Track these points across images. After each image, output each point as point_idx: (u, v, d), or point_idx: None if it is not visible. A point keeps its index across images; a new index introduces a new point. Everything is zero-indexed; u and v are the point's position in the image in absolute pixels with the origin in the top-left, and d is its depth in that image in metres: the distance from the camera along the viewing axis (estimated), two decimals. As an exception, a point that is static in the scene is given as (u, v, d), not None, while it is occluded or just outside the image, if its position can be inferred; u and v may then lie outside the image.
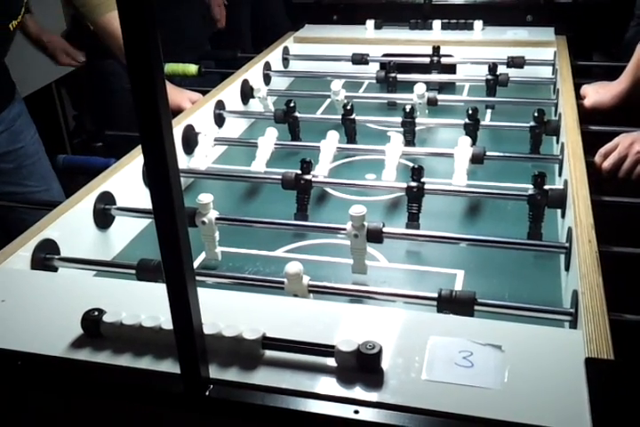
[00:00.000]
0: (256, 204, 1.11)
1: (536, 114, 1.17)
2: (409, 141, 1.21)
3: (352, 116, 1.26)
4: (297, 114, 1.28)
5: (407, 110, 1.22)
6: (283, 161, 1.17)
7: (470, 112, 1.20)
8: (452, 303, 0.72)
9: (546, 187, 0.92)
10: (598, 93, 1.34)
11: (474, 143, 1.17)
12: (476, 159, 1.07)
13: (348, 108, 1.26)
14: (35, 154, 1.38)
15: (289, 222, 0.95)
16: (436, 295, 0.73)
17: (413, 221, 0.96)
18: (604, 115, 1.33)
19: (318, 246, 0.96)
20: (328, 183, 1.09)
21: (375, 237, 0.84)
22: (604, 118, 1.30)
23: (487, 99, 1.43)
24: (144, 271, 0.80)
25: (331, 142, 1.13)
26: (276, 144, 1.17)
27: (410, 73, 1.52)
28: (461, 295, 0.73)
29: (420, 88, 1.33)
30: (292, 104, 1.28)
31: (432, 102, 1.34)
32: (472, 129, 1.19)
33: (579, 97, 1.31)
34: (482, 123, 1.21)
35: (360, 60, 1.62)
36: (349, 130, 1.26)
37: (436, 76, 1.53)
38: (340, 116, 1.27)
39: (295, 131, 1.29)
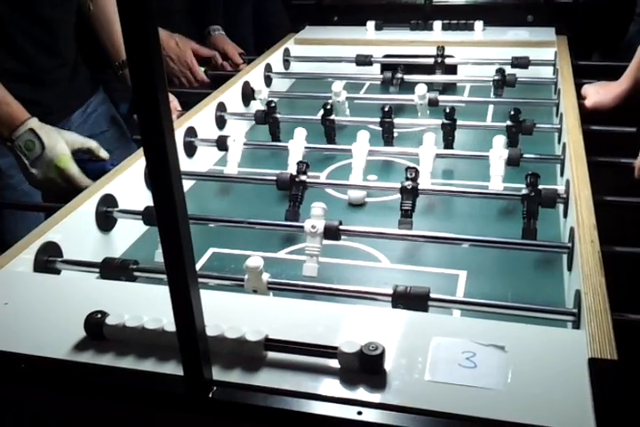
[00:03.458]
0: (259, 205, 1.11)
1: (512, 113, 1.18)
2: (388, 142, 1.23)
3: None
4: (277, 115, 1.29)
5: (386, 110, 1.23)
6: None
7: (447, 111, 1.20)
8: (407, 299, 0.72)
9: (540, 186, 0.92)
10: (599, 94, 1.34)
11: (451, 143, 1.17)
12: (513, 161, 1.06)
13: (328, 108, 1.27)
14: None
15: (289, 224, 0.95)
16: (390, 291, 0.73)
17: (406, 217, 0.95)
18: (604, 115, 1.33)
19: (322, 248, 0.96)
20: (324, 184, 1.09)
21: (332, 234, 0.85)
22: (605, 118, 1.30)
23: (488, 99, 1.43)
24: (107, 270, 0.81)
25: (362, 145, 1.12)
26: (306, 147, 1.16)
27: (412, 74, 1.52)
28: (415, 291, 0.73)
29: (420, 89, 1.33)
30: (272, 104, 1.29)
31: (433, 103, 1.34)
32: (449, 129, 1.19)
33: (580, 97, 1.31)
34: (458, 122, 1.21)
35: (364, 61, 1.63)
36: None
37: (438, 77, 1.54)
38: (319, 117, 1.27)
39: (275, 131, 1.30)
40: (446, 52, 1.59)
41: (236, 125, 1.34)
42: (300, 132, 1.17)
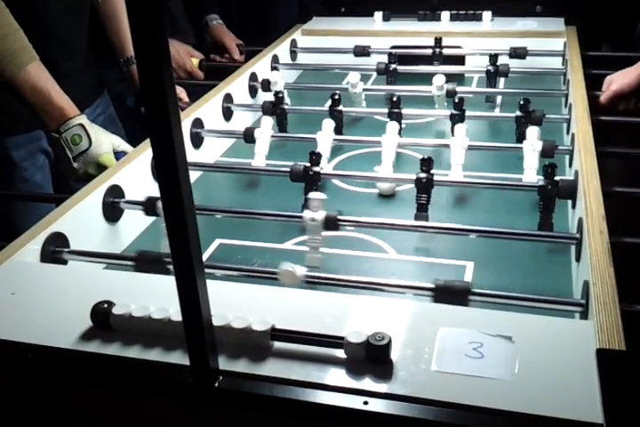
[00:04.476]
0: (264, 196, 1.11)
1: (522, 103, 1.17)
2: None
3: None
4: (285, 106, 1.29)
5: (394, 100, 1.22)
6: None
7: (457, 101, 1.20)
8: (448, 293, 0.72)
9: (556, 178, 0.91)
10: (617, 82, 1.34)
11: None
12: (548, 153, 1.04)
13: (336, 98, 1.26)
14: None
15: (297, 215, 0.95)
16: (431, 285, 0.73)
17: (422, 211, 0.95)
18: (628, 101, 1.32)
19: (326, 238, 0.95)
20: (336, 175, 1.09)
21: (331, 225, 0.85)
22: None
23: (497, 90, 1.43)
24: (143, 263, 0.81)
25: (392, 137, 1.11)
26: (334, 139, 1.16)
27: (417, 65, 1.51)
28: (456, 285, 0.72)
29: (438, 80, 1.32)
30: (280, 95, 1.28)
31: (451, 94, 1.32)
32: (458, 119, 1.19)
33: (589, 87, 1.30)
34: (467, 113, 1.20)
35: (362, 52, 1.62)
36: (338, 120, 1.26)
37: (439, 68, 1.53)
38: (327, 108, 1.27)
39: (283, 122, 1.29)
40: (455, 43, 1.58)
41: (249, 117, 1.33)
42: (328, 124, 1.17)
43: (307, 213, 0.85)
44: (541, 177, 0.93)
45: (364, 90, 1.39)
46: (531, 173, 1.03)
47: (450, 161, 1.07)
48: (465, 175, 1.06)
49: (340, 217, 0.86)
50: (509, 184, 0.99)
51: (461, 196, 1.06)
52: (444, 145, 1.10)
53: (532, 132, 1.08)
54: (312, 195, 0.87)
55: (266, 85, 1.43)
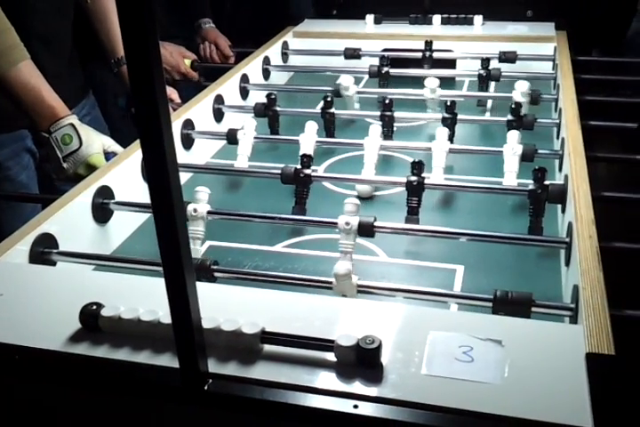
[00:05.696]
0: (255, 198, 1.10)
1: (513, 106, 1.17)
2: (387, 135, 1.22)
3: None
4: (277, 108, 1.28)
5: (386, 103, 1.22)
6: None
7: (448, 105, 1.20)
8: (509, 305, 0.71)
9: (546, 182, 0.92)
10: None
11: (452, 137, 1.17)
12: (528, 157, 1.05)
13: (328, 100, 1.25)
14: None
15: (288, 217, 0.95)
16: (490, 297, 0.72)
17: (413, 214, 0.95)
18: None
19: (317, 241, 0.95)
20: (327, 178, 1.09)
21: (367, 230, 0.83)
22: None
23: (486, 94, 1.43)
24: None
25: (374, 140, 1.11)
26: (317, 141, 1.15)
27: (409, 68, 1.52)
28: (519, 297, 0.72)
29: (431, 82, 1.31)
30: (272, 97, 1.28)
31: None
32: (450, 123, 1.19)
33: (579, 92, 1.31)
34: (459, 117, 1.20)
35: (352, 54, 1.63)
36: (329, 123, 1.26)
37: (431, 71, 1.53)
38: (319, 111, 1.28)
39: (274, 125, 1.29)
40: (445, 47, 1.59)
41: (240, 118, 1.33)
42: (312, 126, 1.16)
43: (341, 218, 0.83)
44: (522, 180, 0.93)
45: (358, 92, 1.39)
46: (511, 177, 1.03)
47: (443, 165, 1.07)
48: (455, 179, 1.06)
49: (376, 223, 0.84)
50: (499, 188, 1.00)
51: (451, 199, 1.07)
52: (426, 148, 1.10)
53: (513, 136, 1.08)
54: (348, 200, 0.84)
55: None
